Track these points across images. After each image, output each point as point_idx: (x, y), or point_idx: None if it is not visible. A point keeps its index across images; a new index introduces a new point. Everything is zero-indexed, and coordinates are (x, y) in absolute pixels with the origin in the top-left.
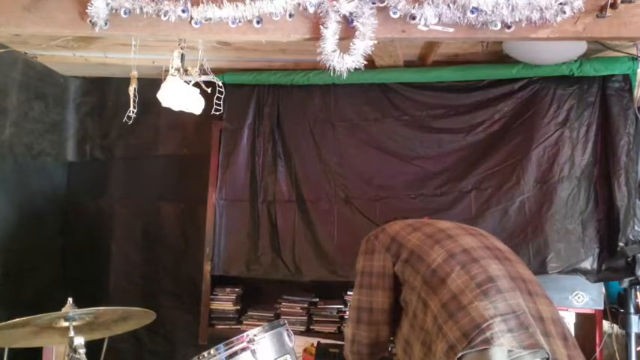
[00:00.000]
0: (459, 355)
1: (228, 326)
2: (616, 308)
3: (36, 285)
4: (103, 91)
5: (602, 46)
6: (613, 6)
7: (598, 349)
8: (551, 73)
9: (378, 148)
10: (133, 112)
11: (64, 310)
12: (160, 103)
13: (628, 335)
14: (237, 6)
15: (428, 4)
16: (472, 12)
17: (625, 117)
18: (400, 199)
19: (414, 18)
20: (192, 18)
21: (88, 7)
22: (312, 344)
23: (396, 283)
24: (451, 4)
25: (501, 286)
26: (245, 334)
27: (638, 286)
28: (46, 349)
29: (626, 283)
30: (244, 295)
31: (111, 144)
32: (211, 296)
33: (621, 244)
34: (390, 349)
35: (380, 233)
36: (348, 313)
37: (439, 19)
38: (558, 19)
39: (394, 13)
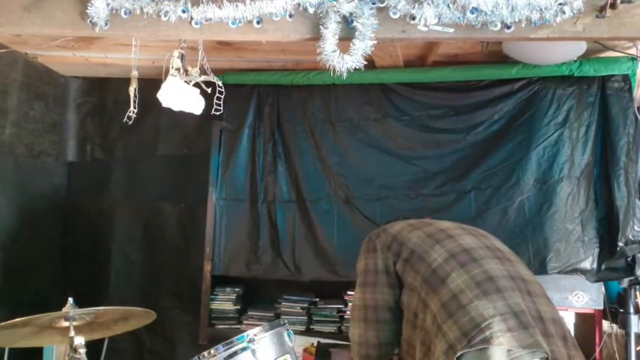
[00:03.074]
0: (459, 354)
1: (228, 326)
2: (616, 308)
3: (36, 285)
4: (103, 91)
5: (602, 46)
6: (612, 6)
7: (598, 349)
8: (550, 73)
9: (378, 148)
10: (133, 112)
11: (64, 310)
12: (159, 103)
13: (628, 335)
14: (237, 6)
15: (428, 4)
16: (472, 12)
17: (624, 117)
18: (400, 199)
19: (413, 18)
20: (192, 18)
21: (89, 8)
22: (312, 344)
23: (398, 284)
24: (451, 5)
25: (501, 285)
26: (245, 333)
27: (637, 286)
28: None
29: (625, 283)
30: (244, 295)
31: (111, 144)
32: (211, 296)
33: (621, 244)
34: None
35: (381, 233)
36: (351, 314)
37: (439, 19)
38: (558, 19)
39: (394, 13)
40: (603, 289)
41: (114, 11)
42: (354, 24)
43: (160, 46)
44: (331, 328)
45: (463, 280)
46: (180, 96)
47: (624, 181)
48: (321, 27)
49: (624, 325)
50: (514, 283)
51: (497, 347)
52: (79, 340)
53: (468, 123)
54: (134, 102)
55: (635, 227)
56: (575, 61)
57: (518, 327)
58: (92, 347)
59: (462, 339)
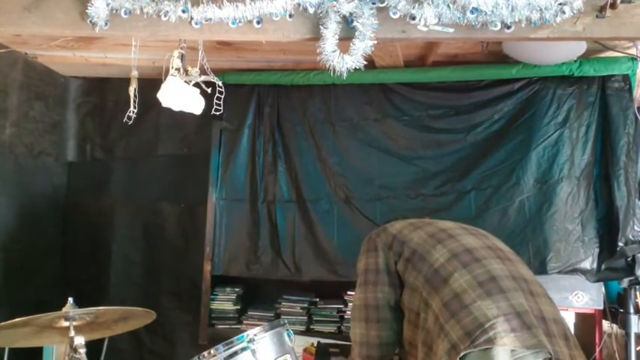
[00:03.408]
0: (462, 354)
1: (228, 326)
2: (616, 308)
3: (36, 285)
4: (103, 91)
5: (602, 46)
6: (612, 6)
7: (598, 349)
8: (550, 73)
9: (378, 148)
10: (133, 112)
11: (64, 309)
12: (159, 103)
13: (628, 335)
14: (237, 6)
15: (428, 4)
16: (472, 12)
17: (624, 117)
18: (400, 199)
19: (413, 18)
20: (192, 18)
21: (89, 8)
22: (312, 344)
23: (399, 283)
24: (451, 5)
25: (504, 286)
26: (245, 333)
27: (637, 286)
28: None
29: (625, 282)
30: (244, 295)
31: (111, 144)
32: (211, 296)
33: (621, 244)
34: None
35: (382, 232)
36: (352, 314)
37: (439, 19)
38: (558, 19)
39: (394, 13)
40: (603, 289)
41: (114, 11)
42: (354, 24)
43: (160, 46)
44: (331, 328)
45: (466, 280)
46: (180, 96)
47: (624, 181)
48: (321, 27)
49: (624, 325)
50: (516, 283)
51: (500, 347)
52: (79, 340)
53: (468, 123)
54: (134, 102)
55: (635, 227)
56: (575, 61)
57: (521, 327)
58: (92, 347)
59: (465, 339)
